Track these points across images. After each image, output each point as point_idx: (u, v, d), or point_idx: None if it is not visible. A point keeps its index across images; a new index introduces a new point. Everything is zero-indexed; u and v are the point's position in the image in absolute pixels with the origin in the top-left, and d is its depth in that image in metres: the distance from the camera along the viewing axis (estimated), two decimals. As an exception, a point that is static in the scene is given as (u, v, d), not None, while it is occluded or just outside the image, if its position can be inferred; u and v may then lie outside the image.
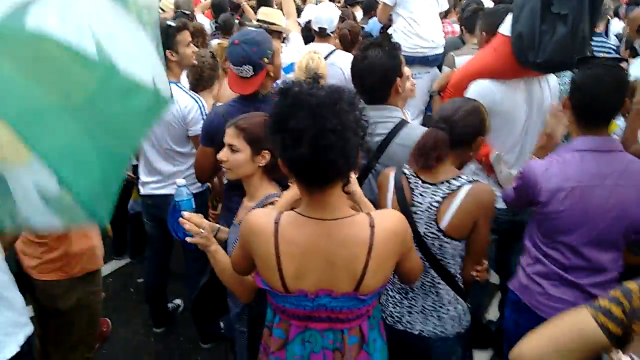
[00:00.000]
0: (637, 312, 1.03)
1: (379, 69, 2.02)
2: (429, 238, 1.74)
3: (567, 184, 1.75)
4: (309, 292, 1.35)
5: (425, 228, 1.74)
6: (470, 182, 1.72)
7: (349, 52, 4.00)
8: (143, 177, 2.99)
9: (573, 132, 1.86)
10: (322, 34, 3.82)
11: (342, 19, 4.43)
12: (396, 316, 1.83)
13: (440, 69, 3.77)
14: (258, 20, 3.55)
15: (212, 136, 2.30)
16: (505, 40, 2.37)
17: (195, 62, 2.89)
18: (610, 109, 1.79)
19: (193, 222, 1.65)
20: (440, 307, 1.78)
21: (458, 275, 1.80)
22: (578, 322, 1.09)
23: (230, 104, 2.39)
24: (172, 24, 2.70)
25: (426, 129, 2.07)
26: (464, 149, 1.79)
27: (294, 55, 3.42)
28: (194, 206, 1.82)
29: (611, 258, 1.79)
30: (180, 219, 1.68)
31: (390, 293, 1.87)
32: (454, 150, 1.75)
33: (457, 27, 4.78)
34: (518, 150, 2.48)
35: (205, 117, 2.73)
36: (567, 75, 2.74)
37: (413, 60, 3.58)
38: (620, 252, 1.81)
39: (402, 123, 2.03)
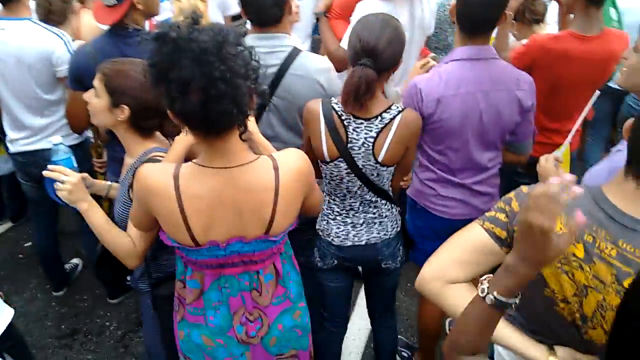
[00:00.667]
0: (515, 215, 1.15)
1: None
2: (367, 169, 1.79)
3: (448, 92, 1.85)
4: (220, 242, 1.33)
5: (363, 162, 1.77)
6: (400, 111, 1.75)
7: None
8: (10, 134, 2.66)
9: (456, 42, 1.94)
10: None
11: None
12: (342, 235, 1.92)
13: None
14: None
15: (81, 77, 2.09)
16: None
17: None
18: (487, 20, 1.86)
19: (58, 172, 1.55)
20: (380, 215, 1.91)
21: (389, 188, 1.91)
22: (470, 234, 1.20)
23: (98, 39, 2.17)
24: None
25: (317, 56, 2.05)
26: (388, 74, 1.75)
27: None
28: (74, 165, 1.67)
29: (491, 157, 2.00)
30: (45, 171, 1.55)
31: (331, 216, 1.93)
32: (380, 78, 1.69)
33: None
34: (402, 68, 2.54)
35: (69, 50, 2.46)
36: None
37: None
38: (499, 151, 2.03)
39: (295, 51, 1.96)
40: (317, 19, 2.60)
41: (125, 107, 1.58)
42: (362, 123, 1.74)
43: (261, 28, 1.94)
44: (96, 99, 1.62)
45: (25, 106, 2.53)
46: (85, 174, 1.71)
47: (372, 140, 1.74)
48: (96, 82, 1.61)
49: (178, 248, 1.38)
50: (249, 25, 3.55)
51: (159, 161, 1.55)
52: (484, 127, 1.90)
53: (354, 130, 1.75)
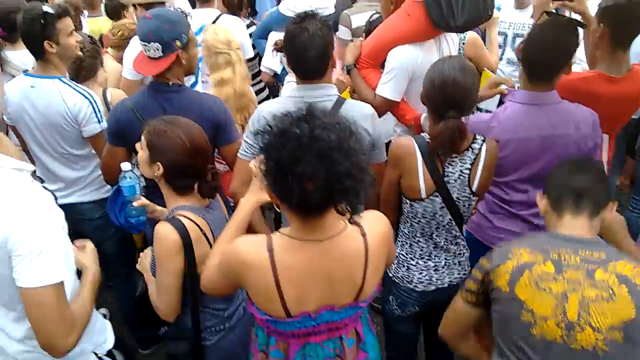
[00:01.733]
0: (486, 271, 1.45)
1: (320, 42, 1.90)
2: (461, 201, 1.87)
3: (508, 136, 1.95)
4: (311, 312, 1.33)
5: (459, 193, 1.86)
6: (483, 140, 1.86)
7: (238, 15, 3.80)
8: (47, 185, 2.59)
9: (521, 82, 2.03)
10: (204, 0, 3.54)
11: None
12: (425, 279, 1.95)
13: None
14: None
15: (122, 134, 2.09)
16: (418, 5, 2.42)
17: (80, 53, 2.50)
18: (550, 67, 1.96)
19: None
20: (459, 254, 1.97)
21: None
22: (456, 306, 1.59)
23: (138, 95, 2.18)
24: (50, 10, 2.30)
25: (361, 103, 2.11)
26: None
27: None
28: (138, 192, 1.76)
29: None
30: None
31: (412, 261, 1.97)
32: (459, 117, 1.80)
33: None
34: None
35: (96, 110, 2.43)
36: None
37: (309, 22, 3.48)
38: None
39: (340, 100, 2.01)
40: (348, 71, 2.64)
41: (159, 164, 1.63)
42: (455, 157, 1.83)
43: (306, 80, 1.98)
44: (141, 151, 1.69)
45: (56, 159, 2.51)
46: (147, 202, 1.83)
47: (467, 172, 1.84)
48: (143, 135, 1.68)
49: (267, 320, 1.37)
50: (264, 68, 3.68)
51: (179, 222, 1.59)
52: (541, 171, 1.97)
53: (449, 164, 1.84)
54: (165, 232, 1.59)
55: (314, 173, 1.12)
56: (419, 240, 1.96)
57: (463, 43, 3.08)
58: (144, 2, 3.07)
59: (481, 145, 1.85)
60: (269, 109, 2.00)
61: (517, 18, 3.67)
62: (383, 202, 2.01)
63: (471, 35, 3.08)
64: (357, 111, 2.01)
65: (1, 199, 1.28)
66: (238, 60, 2.74)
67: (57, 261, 1.30)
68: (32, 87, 2.35)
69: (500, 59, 3.68)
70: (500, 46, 3.69)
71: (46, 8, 2.28)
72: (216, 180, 1.71)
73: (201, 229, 1.62)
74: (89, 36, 2.78)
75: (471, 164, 1.84)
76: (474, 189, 1.86)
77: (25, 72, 2.44)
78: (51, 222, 1.33)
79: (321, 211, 1.25)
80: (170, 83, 2.14)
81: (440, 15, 2.36)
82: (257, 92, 3.85)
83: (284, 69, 3.72)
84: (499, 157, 1.94)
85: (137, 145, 1.72)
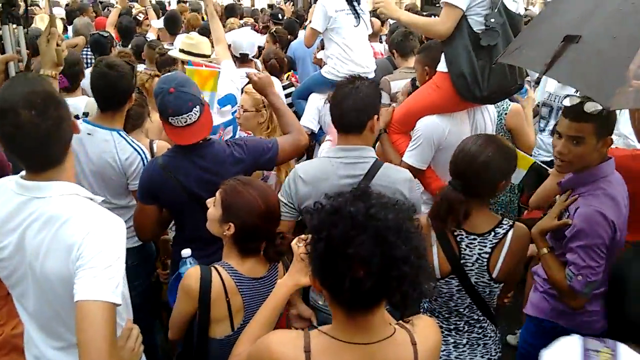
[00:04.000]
0: None
1: (361, 95, 1.95)
2: (480, 287, 1.78)
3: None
4: None
5: (477, 278, 1.77)
6: (511, 225, 1.77)
7: (278, 78, 3.95)
8: None
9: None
10: (244, 60, 3.71)
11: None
12: (443, 356, 1.86)
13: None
14: (181, 51, 3.26)
15: (153, 193, 2.11)
16: (446, 76, 2.46)
17: None
18: None
19: None
20: (484, 335, 1.85)
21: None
22: None
23: (168, 153, 2.17)
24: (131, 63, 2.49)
25: (396, 167, 2.10)
26: (488, 196, 1.80)
27: (229, 86, 3.26)
28: None
29: None
30: None
31: None
32: (477, 198, 1.75)
33: (377, 48, 4.89)
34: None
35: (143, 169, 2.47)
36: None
37: (349, 86, 3.58)
38: None
39: (378, 162, 2.01)
40: (378, 136, 2.68)
41: (232, 225, 1.64)
42: (475, 239, 1.75)
43: (344, 134, 2.00)
44: (213, 208, 1.71)
45: None
46: None
47: (487, 255, 1.75)
48: (217, 193, 1.71)
49: None
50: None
51: (209, 273, 1.61)
52: None
53: (467, 246, 1.76)
54: (190, 274, 1.64)
55: (368, 256, 1.02)
56: (437, 317, 1.88)
57: (505, 113, 3.08)
58: (190, 58, 3.23)
59: (507, 231, 1.76)
60: (305, 169, 2.03)
61: (562, 90, 3.66)
62: None
63: (514, 105, 3.08)
64: (395, 175, 2.02)
65: (78, 214, 1.34)
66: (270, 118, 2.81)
67: (118, 283, 1.31)
68: (88, 134, 2.42)
69: (543, 130, 3.65)
70: (544, 117, 3.67)
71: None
72: (284, 244, 1.70)
73: (226, 292, 1.62)
74: (137, 87, 2.92)
75: (492, 248, 1.75)
76: (494, 275, 1.75)
77: (85, 118, 2.53)
78: (120, 245, 1.36)
79: (371, 305, 1.12)
80: (200, 140, 2.12)
81: (465, 87, 2.38)
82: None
83: (320, 128, 3.81)
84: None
85: (209, 202, 1.75)
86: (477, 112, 2.62)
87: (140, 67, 4.37)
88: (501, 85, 2.41)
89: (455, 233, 1.77)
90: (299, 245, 1.48)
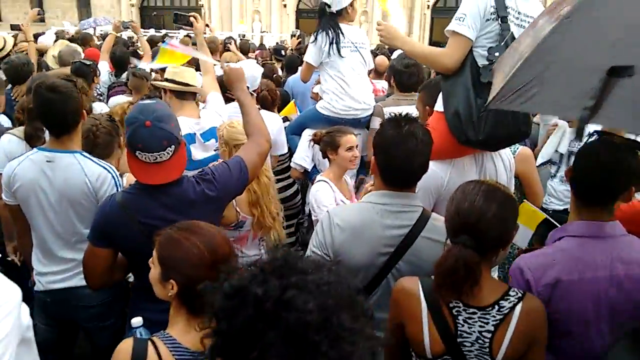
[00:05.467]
0: None
1: (427, 150, 1.72)
2: None
3: (567, 276, 1.52)
4: None
5: None
6: (519, 298, 1.43)
7: (270, 111, 3.74)
8: (39, 267, 2.35)
9: (571, 213, 1.66)
10: (244, 94, 3.49)
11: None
12: None
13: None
14: (167, 80, 3.09)
15: (108, 235, 1.83)
16: (441, 116, 2.19)
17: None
18: (607, 191, 1.58)
19: None
20: None
21: None
22: None
23: (130, 191, 1.89)
24: (74, 79, 2.28)
25: (440, 217, 1.76)
26: (495, 253, 1.47)
27: (214, 119, 3.03)
28: None
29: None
30: None
31: None
32: (486, 259, 1.43)
33: (379, 85, 4.70)
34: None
35: (118, 185, 2.27)
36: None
37: (345, 122, 3.37)
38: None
39: (427, 213, 1.75)
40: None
41: (174, 282, 1.38)
42: (474, 313, 1.42)
43: (397, 188, 1.75)
44: (153, 268, 1.44)
45: (61, 239, 2.31)
46: None
47: (489, 335, 1.40)
48: (154, 249, 1.45)
49: None
50: (294, 165, 3.53)
51: (144, 348, 1.32)
52: (613, 317, 1.54)
53: (464, 321, 1.42)
54: (122, 349, 1.34)
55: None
56: None
57: (513, 157, 2.78)
58: (177, 89, 3.01)
59: (515, 304, 1.41)
60: (342, 216, 1.76)
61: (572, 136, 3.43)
62: (385, 351, 1.61)
63: (523, 149, 2.76)
64: (444, 229, 1.67)
65: None
66: None
67: None
68: (48, 162, 2.23)
69: (554, 175, 3.38)
70: (554, 163, 3.40)
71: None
72: None
73: None
74: (107, 114, 2.70)
75: (495, 326, 1.40)
76: (497, 359, 1.40)
77: (39, 146, 2.32)
78: (4, 326, 1.05)
79: None
80: None
81: (458, 127, 2.09)
82: (287, 187, 3.69)
83: (314, 166, 3.57)
84: (557, 310, 1.51)
85: (150, 262, 1.48)
86: (487, 158, 2.30)
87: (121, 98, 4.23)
88: (501, 129, 2.09)
89: (451, 305, 1.44)
90: None
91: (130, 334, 1.50)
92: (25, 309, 1.13)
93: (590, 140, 1.70)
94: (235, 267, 0.83)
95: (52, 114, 2.21)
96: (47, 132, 2.54)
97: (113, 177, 2.27)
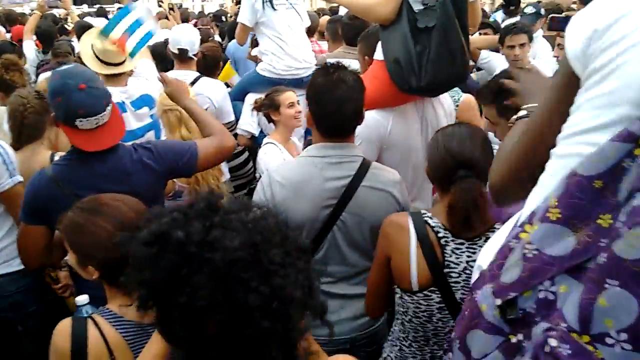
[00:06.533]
0: None
1: (358, 95, 1.69)
2: None
3: None
4: None
5: (463, 294, 1.43)
6: None
7: (212, 76, 3.63)
8: None
9: None
10: (182, 58, 3.36)
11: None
12: None
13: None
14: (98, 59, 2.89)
15: (41, 211, 1.73)
16: (381, 65, 2.18)
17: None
18: None
19: None
20: None
21: None
22: None
23: (61, 163, 1.82)
24: None
25: (385, 167, 1.82)
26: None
27: (144, 86, 2.90)
28: None
29: None
30: None
31: None
32: None
33: (324, 46, 4.63)
34: (419, 184, 2.30)
35: (7, 162, 2.12)
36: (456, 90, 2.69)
37: (288, 83, 3.29)
38: None
39: (366, 162, 1.74)
40: None
41: (92, 268, 1.31)
42: (462, 243, 1.44)
43: (333, 138, 1.73)
44: (69, 254, 1.36)
45: None
46: None
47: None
48: (62, 236, 1.37)
49: None
50: (240, 131, 3.45)
51: (83, 327, 1.27)
52: None
53: (452, 251, 1.44)
54: (59, 330, 1.27)
55: (210, 304, 0.69)
56: (410, 345, 1.55)
57: (456, 106, 2.81)
58: (109, 73, 2.84)
59: None
60: (282, 172, 1.73)
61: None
62: (369, 289, 1.65)
63: (466, 97, 2.79)
64: (386, 176, 1.75)
65: None
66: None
67: None
68: None
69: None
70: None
71: None
72: None
73: (109, 350, 1.27)
74: (36, 91, 2.53)
75: None
76: None
77: None
78: None
79: None
80: None
81: (399, 75, 2.09)
82: (235, 156, 3.62)
83: (261, 131, 3.51)
84: None
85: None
86: (427, 105, 2.32)
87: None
88: (442, 73, 2.09)
89: (440, 235, 1.46)
90: None
91: (77, 314, 1.43)
92: None
93: None
94: (155, 213, 0.79)
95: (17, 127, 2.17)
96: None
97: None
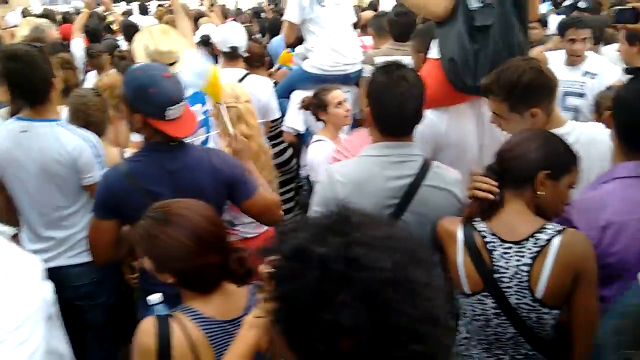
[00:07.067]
0: None
1: (419, 93, 1.68)
2: (523, 310, 1.42)
3: (619, 218, 1.48)
4: None
5: (517, 299, 1.42)
6: (559, 231, 1.42)
7: (259, 71, 3.67)
8: (28, 246, 2.29)
9: (616, 156, 1.62)
10: (232, 56, 3.41)
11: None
12: None
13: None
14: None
15: (113, 206, 1.79)
16: (436, 63, 2.16)
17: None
18: None
19: None
20: None
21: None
22: None
23: (134, 157, 1.89)
24: (36, 44, 2.20)
25: (446, 166, 1.81)
26: (526, 188, 1.48)
27: (195, 83, 2.94)
28: None
29: None
30: None
31: None
32: (515, 191, 1.47)
33: (366, 41, 4.61)
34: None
35: (98, 156, 2.20)
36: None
37: (335, 80, 3.30)
38: None
39: (428, 161, 1.74)
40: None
41: (168, 275, 1.35)
42: (510, 247, 1.43)
43: (392, 137, 1.72)
44: (145, 259, 1.39)
45: (44, 216, 2.25)
46: None
47: (526, 268, 1.41)
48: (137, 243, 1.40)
49: None
50: (286, 128, 3.46)
51: (167, 326, 1.30)
52: None
53: (501, 256, 1.43)
54: (144, 329, 1.30)
55: (353, 325, 0.67)
56: (476, 345, 1.54)
57: None
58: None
59: (552, 237, 1.41)
60: (342, 171, 1.73)
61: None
62: None
63: None
64: (448, 175, 1.75)
65: None
66: (249, 113, 2.52)
67: (34, 349, 0.99)
68: (22, 132, 2.15)
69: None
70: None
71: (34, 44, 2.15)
72: (244, 266, 1.38)
73: (193, 347, 1.30)
74: (92, 89, 2.62)
75: (532, 259, 1.40)
76: (537, 294, 1.40)
77: (17, 116, 2.24)
78: (33, 295, 1.03)
79: None
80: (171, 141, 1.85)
81: (455, 74, 2.06)
82: (281, 152, 3.65)
83: (307, 128, 3.53)
84: (608, 252, 1.47)
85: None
86: (484, 105, 2.23)
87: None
88: None
89: (486, 240, 1.45)
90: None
91: (149, 313, 1.45)
92: (48, 284, 1.11)
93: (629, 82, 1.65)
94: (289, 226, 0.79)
95: (16, 83, 2.13)
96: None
97: (91, 146, 2.20)
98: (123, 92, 1.82)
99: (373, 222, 0.76)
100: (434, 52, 2.20)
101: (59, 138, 2.14)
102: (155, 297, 1.45)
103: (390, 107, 1.68)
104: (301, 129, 3.53)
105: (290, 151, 3.77)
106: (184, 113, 1.82)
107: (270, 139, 3.42)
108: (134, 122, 1.83)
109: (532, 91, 1.76)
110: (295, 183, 3.78)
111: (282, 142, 3.67)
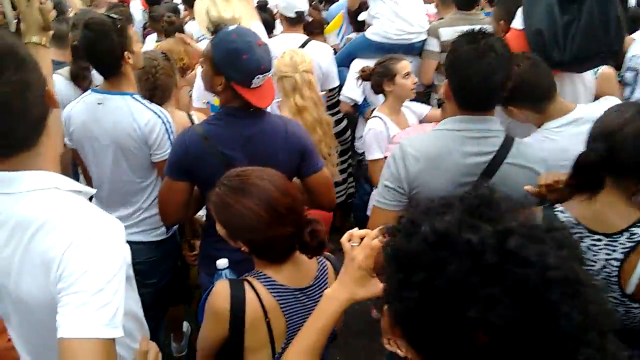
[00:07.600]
0: None
1: (508, 65, 1.58)
2: (611, 305, 1.36)
3: None
4: None
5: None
6: None
7: (317, 37, 3.59)
8: None
9: None
10: (296, 21, 3.34)
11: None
12: None
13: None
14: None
15: (187, 167, 1.79)
16: (520, 34, 2.02)
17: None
18: None
19: None
20: None
21: None
22: None
23: (210, 120, 1.89)
24: (115, 15, 2.15)
25: (529, 142, 1.71)
26: (632, 180, 1.35)
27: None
28: None
29: None
30: None
31: None
32: (618, 180, 1.34)
33: (431, 10, 4.41)
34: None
35: (169, 132, 2.19)
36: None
37: (398, 49, 3.17)
38: None
39: (510, 137, 1.64)
40: (439, 105, 2.30)
41: (241, 243, 1.35)
42: (600, 240, 1.34)
43: (473, 112, 1.63)
44: (218, 226, 1.40)
45: (113, 191, 2.26)
46: None
47: (616, 263, 1.32)
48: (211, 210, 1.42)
49: None
50: (343, 98, 3.38)
51: (241, 291, 1.31)
52: None
53: (589, 248, 1.34)
54: (218, 292, 1.33)
55: (504, 325, 0.60)
56: None
57: (595, 78, 2.59)
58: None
59: None
60: (415, 144, 1.66)
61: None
62: None
63: (606, 69, 2.47)
64: (532, 153, 1.64)
65: (56, 218, 1.00)
66: (305, 84, 2.46)
67: (115, 310, 0.98)
68: (99, 104, 2.16)
69: (628, 99, 3.15)
70: (629, 84, 3.15)
71: (111, 14, 2.13)
72: (316, 238, 1.35)
73: (265, 312, 1.32)
74: (162, 53, 2.60)
75: (625, 254, 1.31)
76: (627, 290, 1.31)
77: (94, 88, 2.26)
78: (116, 258, 1.03)
79: None
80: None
81: (542, 47, 1.92)
82: (337, 122, 3.59)
83: (365, 99, 3.44)
84: None
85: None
86: (566, 80, 2.11)
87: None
88: (590, 49, 1.92)
89: (574, 231, 1.35)
90: (352, 245, 1.12)
91: (217, 277, 1.47)
92: (127, 247, 1.10)
93: None
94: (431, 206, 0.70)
95: (91, 53, 2.14)
96: (93, 71, 2.47)
97: (164, 122, 2.19)
98: (210, 53, 1.78)
99: (521, 209, 0.68)
100: (517, 21, 2.06)
101: (133, 112, 2.14)
102: (223, 262, 1.48)
103: (475, 79, 1.56)
104: (359, 99, 3.44)
105: (345, 122, 3.71)
106: (266, 82, 1.80)
107: (328, 108, 3.34)
108: (215, 83, 1.79)
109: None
110: (348, 154, 3.73)
111: (339, 111, 3.61)
